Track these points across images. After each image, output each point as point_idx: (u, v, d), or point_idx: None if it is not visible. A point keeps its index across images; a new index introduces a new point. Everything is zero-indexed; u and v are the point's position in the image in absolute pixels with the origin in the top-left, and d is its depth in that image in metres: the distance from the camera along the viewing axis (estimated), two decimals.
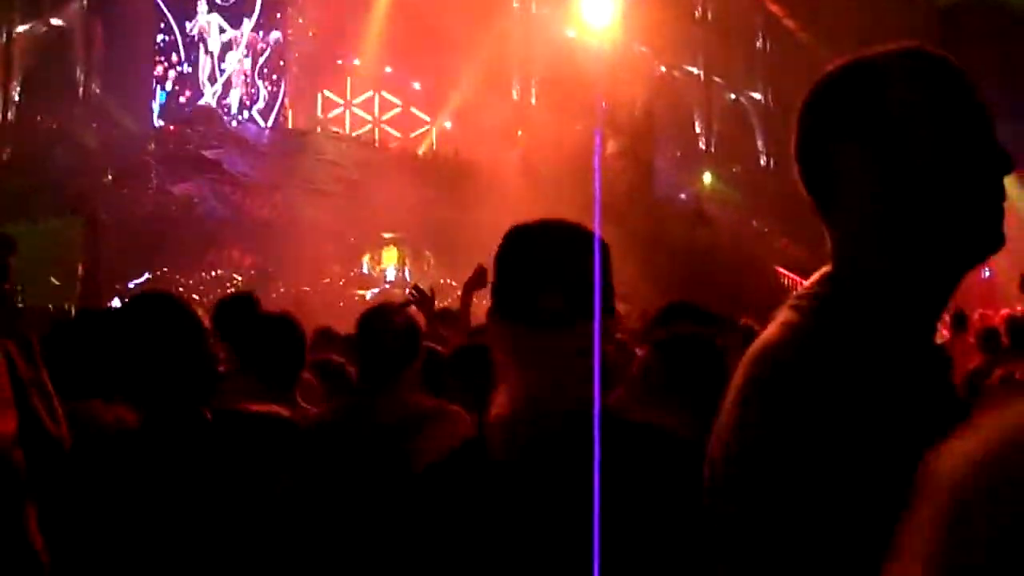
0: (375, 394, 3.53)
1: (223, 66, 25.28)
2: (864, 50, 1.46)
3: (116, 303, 15.77)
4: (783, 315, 1.45)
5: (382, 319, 3.66)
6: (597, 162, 18.73)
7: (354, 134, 27.17)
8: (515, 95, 26.83)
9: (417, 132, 27.35)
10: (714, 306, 4.15)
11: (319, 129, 26.37)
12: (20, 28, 23.14)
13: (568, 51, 24.40)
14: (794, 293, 1.51)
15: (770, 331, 1.44)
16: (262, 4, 25.65)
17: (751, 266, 21.09)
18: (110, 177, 22.03)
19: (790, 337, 1.41)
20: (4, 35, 22.98)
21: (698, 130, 29.12)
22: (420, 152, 26.52)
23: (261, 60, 25.61)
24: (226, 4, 25.39)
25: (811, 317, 1.42)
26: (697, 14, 27.36)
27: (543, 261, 1.94)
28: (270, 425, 2.96)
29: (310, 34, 26.94)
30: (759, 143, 29.15)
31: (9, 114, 22.75)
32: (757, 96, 29.57)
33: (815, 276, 1.48)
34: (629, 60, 23.60)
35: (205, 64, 25.22)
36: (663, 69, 27.13)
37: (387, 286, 21.38)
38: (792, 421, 1.32)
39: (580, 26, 23.82)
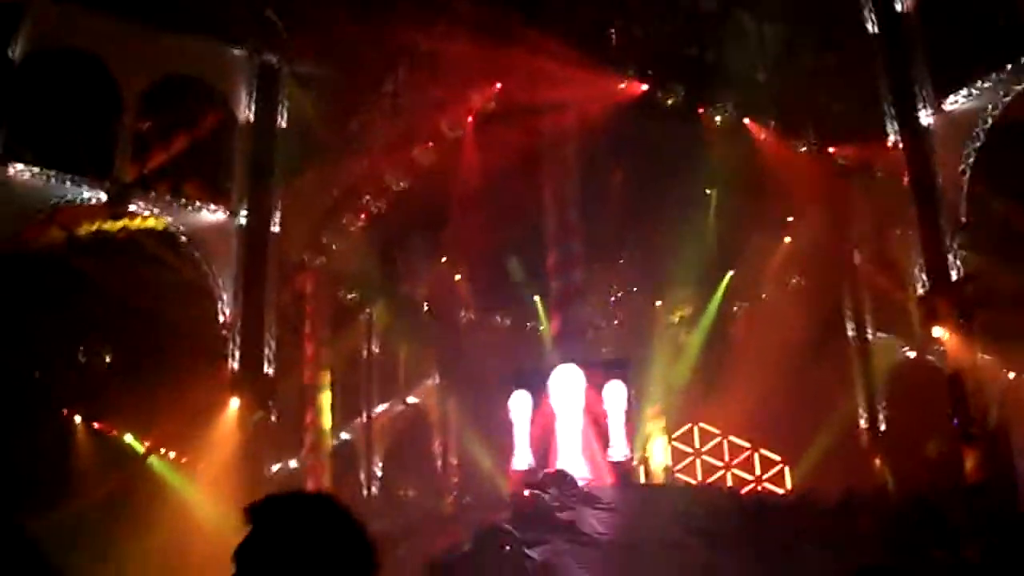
0: None
1: (569, 428, 26.97)
2: None
3: None
4: None
5: None
6: None
7: (706, 482, 28.16)
8: (862, 422, 27.16)
9: (770, 473, 28.05)
10: None
11: (667, 480, 27.46)
12: (379, 407, 26.28)
13: (911, 371, 25.05)
14: None
15: None
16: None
17: None
18: (467, 547, 23.55)
19: None
20: (364, 414, 26.10)
21: None
22: (781, 492, 27.02)
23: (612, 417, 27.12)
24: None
25: None
26: None
27: None
28: None
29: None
30: None
31: (373, 487, 25.29)
32: None
33: None
34: (974, 371, 23.72)
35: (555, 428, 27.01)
36: (1011, 376, 26.96)
37: None
38: None
39: (919, 345, 24.57)
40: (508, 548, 22.18)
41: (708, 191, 27.70)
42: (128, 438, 23.78)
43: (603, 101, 24.04)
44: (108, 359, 23.92)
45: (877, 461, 26.37)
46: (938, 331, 22.76)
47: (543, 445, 26.95)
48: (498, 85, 23.90)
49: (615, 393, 26.13)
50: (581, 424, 26.49)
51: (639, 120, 24.08)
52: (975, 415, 22.40)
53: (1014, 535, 20.31)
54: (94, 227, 23.77)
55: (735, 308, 30.82)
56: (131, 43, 23.03)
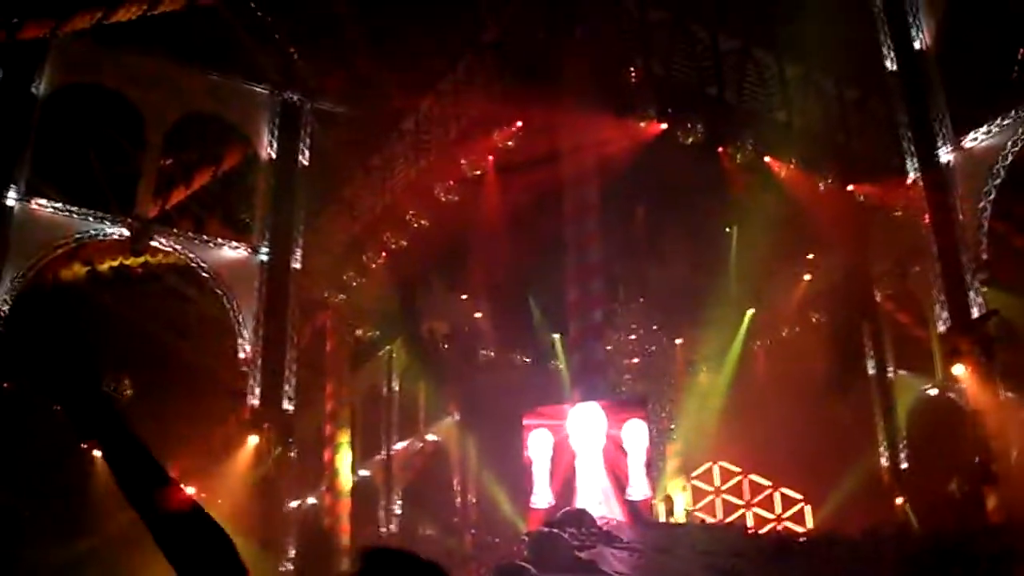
0: None
1: (589, 466, 27.04)
2: None
3: None
4: None
5: None
6: None
7: (727, 520, 28.14)
8: (884, 461, 27.15)
9: (791, 511, 28.05)
10: None
11: (687, 520, 27.46)
12: (398, 445, 26.44)
13: (932, 409, 25.13)
14: None
15: None
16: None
17: None
18: None
19: None
20: (383, 451, 26.27)
21: None
22: (802, 531, 26.99)
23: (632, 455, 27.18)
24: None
25: None
26: None
27: None
28: None
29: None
30: None
31: (392, 526, 25.37)
32: None
33: None
34: (996, 409, 23.78)
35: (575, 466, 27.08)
36: None
37: None
38: None
39: (940, 382, 24.69)
40: None
41: (728, 229, 27.86)
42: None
43: (623, 140, 24.25)
44: (128, 393, 24.10)
45: (899, 500, 26.34)
46: (959, 369, 22.86)
47: (563, 484, 27.01)
48: (519, 123, 24.12)
49: (635, 432, 26.20)
50: (601, 463, 26.58)
51: (659, 159, 24.28)
52: (997, 453, 22.47)
53: None
54: (116, 262, 24.06)
55: (756, 346, 30.91)
56: (155, 80, 23.47)
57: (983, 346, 22.66)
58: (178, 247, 23.32)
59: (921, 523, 23.90)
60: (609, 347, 28.18)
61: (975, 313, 22.85)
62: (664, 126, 24.07)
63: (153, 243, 23.01)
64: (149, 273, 24.66)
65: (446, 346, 29.59)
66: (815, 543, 24.94)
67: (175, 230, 23.67)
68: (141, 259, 23.70)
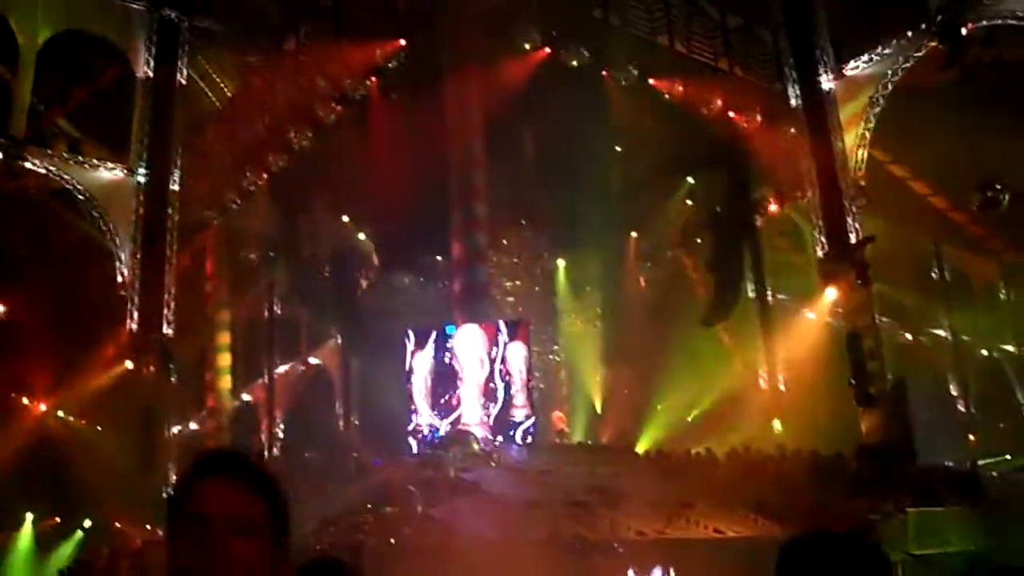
0: None
1: (471, 388, 27.70)
2: None
3: None
4: None
5: None
6: None
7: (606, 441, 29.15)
8: (762, 383, 28.23)
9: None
10: None
11: (564, 441, 28.30)
12: (280, 369, 26.84)
13: (810, 333, 26.15)
14: None
15: None
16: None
17: None
18: (369, 506, 24.15)
19: None
20: (266, 375, 26.62)
21: (955, 393, 29.66)
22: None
23: (514, 377, 27.87)
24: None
25: None
26: (934, 275, 28.82)
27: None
28: None
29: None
30: (1020, 396, 29.26)
31: (275, 449, 25.86)
32: (1010, 348, 30.22)
33: None
34: (871, 333, 24.68)
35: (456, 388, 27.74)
36: (909, 337, 28.40)
37: None
38: None
39: (818, 307, 25.66)
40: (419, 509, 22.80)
41: (612, 152, 28.47)
42: (24, 401, 24.04)
43: (508, 63, 24.62)
44: (2, 318, 24.12)
45: (775, 421, 27.39)
46: (835, 293, 23.84)
47: (445, 405, 27.71)
48: (402, 42, 24.32)
49: (517, 353, 26.92)
50: (482, 385, 27.29)
51: (544, 82, 24.68)
52: (873, 376, 23.50)
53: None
54: None
55: (640, 268, 31.69)
56: None
57: (859, 271, 23.58)
58: (52, 168, 23.15)
59: (798, 443, 24.88)
60: (492, 270, 28.79)
61: (853, 239, 23.76)
62: (549, 50, 24.49)
63: (27, 164, 22.87)
64: (23, 195, 24.51)
65: (328, 269, 29.84)
66: (695, 462, 25.96)
67: (49, 151, 23.54)
68: (15, 181, 23.51)
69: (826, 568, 2.34)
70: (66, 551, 22.06)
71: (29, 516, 22.31)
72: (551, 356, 30.79)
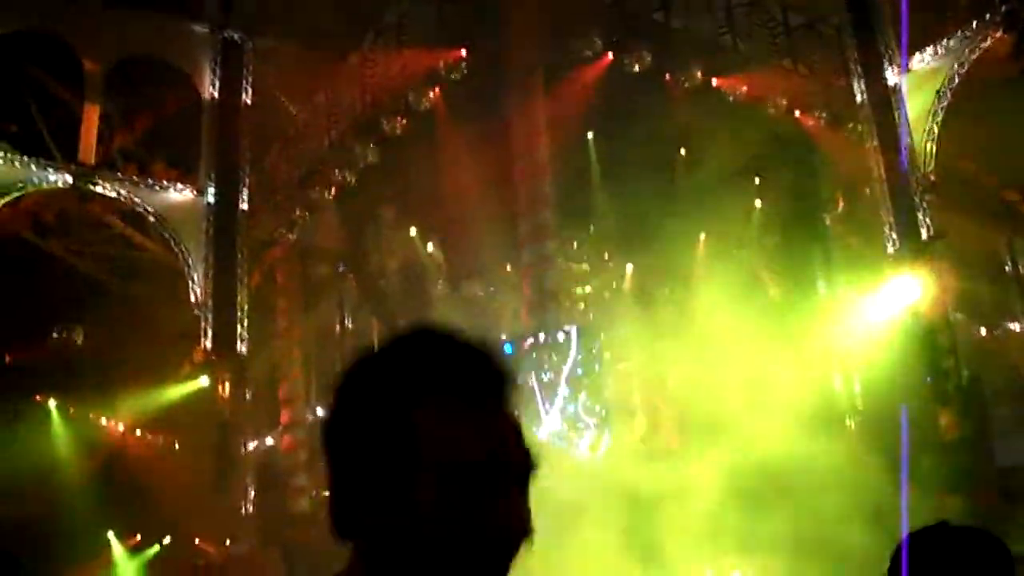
0: None
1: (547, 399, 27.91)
2: None
3: None
4: None
5: None
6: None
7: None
8: (837, 384, 28.14)
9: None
10: None
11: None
12: None
13: (884, 330, 26.10)
14: None
15: None
16: None
17: None
18: None
19: None
20: None
21: None
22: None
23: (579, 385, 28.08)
24: None
25: None
26: (1007, 268, 28.65)
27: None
28: None
29: None
30: None
31: None
32: None
33: None
34: (946, 329, 24.59)
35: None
36: (983, 332, 28.21)
37: None
38: None
39: (891, 304, 25.62)
40: None
41: (678, 155, 28.58)
42: (103, 421, 24.54)
43: (571, 70, 24.80)
44: (80, 342, 24.63)
45: (849, 421, 27.37)
46: (908, 289, 23.83)
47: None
48: (463, 52, 24.56)
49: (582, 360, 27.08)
50: (564, 391, 27.42)
51: (606, 85, 24.83)
52: (949, 373, 23.49)
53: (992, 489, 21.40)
54: (60, 210, 24.44)
55: (709, 269, 31.63)
56: (91, 23, 23.63)
57: (931, 267, 23.59)
58: (123, 192, 23.66)
59: (874, 444, 24.87)
60: (561, 277, 28.95)
61: (924, 235, 23.76)
62: (611, 56, 24.63)
63: (97, 189, 23.36)
64: (96, 220, 25.02)
65: (397, 281, 30.11)
66: (772, 474, 26.04)
67: (119, 175, 24.04)
68: (86, 205, 24.03)
69: (949, 562, 2.28)
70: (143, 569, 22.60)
71: (111, 534, 22.81)
72: (621, 362, 30.89)
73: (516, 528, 1.83)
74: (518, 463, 1.86)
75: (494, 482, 1.79)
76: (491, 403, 1.87)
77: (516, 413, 1.90)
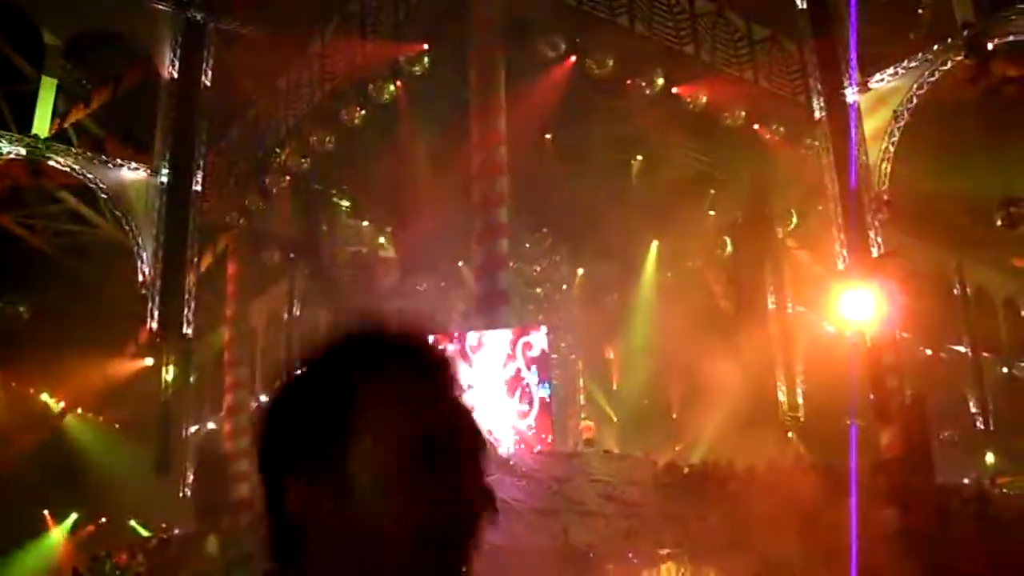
0: None
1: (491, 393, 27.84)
2: None
3: None
4: None
5: None
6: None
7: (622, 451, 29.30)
8: (781, 396, 28.37)
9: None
10: None
11: (582, 448, 28.47)
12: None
13: (829, 346, 26.33)
14: None
15: None
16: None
17: None
18: None
19: None
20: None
21: (974, 409, 29.84)
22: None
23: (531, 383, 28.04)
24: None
25: None
26: (955, 291, 29.03)
27: None
28: None
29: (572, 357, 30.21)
30: None
31: None
32: None
33: None
34: (892, 348, 24.83)
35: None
36: (928, 352, 28.59)
37: None
38: None
39: (838, 320, 25.79)
40: None
41: (633, 161, 28.70)
42: (45, 397, 24.40)
43: (532, 71, 24.82)
44: (25, 314, 24.50)
45: (790, 433, 27.59)
46: (855, 307, 24.00)
47: None
48: (425, 46, 24.56)
49: (536, 360, 27.05)
50: (502, 391, 27.37)
51: (569, 91, 24.89)
52: (892, 391, 23.70)
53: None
54: (13, 183, 24.25)
55: (661, 277, 31.80)
56: None
57: (880, 285, 23.78)
58: (76, 167, 23.54)
59: (815, 457, 25.06)
60: (513, 277, 28.94)
61: (875, 252, 23.97)
62: (574, 58, 24.70)
63: (51, 163, 23.21)
64: (48, 195, 24.89)
65: (348, 272, 30.03)
66: (709, 474, 26.13)
67: (73, 150, 23.91)
68: (37, 179, 23.85)
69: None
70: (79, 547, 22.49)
71: (73, 516, 22.71)
72: (570, 364, 31.03)
73: (461, 505, 1.78)
74: (463, 441, 1.83)
75: (431, 457, 1.77)
76: (431, 386, 1.86)
77: (462, 397, 1.89)
